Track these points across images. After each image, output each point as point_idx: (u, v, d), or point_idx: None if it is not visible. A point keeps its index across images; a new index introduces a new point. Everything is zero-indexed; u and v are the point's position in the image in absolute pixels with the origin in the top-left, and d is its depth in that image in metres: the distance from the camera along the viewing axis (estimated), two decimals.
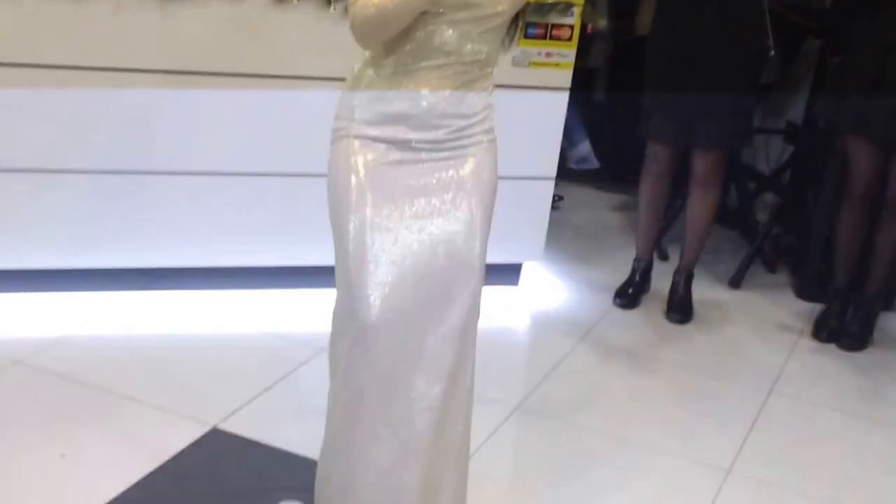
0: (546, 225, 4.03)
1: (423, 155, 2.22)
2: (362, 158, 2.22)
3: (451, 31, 2.13)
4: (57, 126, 3.41)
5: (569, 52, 3.79)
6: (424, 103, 2.18)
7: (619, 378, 3.64)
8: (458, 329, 2.25)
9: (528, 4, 2.27)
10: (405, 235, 2.20)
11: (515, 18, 2.27)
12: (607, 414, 3.36)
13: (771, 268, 4.66)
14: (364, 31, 2.12)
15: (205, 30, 3.40)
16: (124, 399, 3.07)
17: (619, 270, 4.27)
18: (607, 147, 5.10)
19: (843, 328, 4.05)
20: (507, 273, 4.05)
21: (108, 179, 3.51)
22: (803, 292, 4.42)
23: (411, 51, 2.17)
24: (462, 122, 2.22)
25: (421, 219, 2.21)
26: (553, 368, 3.60)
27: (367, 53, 2.24)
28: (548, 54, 3.74)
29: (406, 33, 2.15)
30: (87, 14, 3.28)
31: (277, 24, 3.45)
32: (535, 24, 3.67)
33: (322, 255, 3.73)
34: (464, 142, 2.24)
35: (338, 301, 2.27)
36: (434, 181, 2.23)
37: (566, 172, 4.72)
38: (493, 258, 2.38)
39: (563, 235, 4.67)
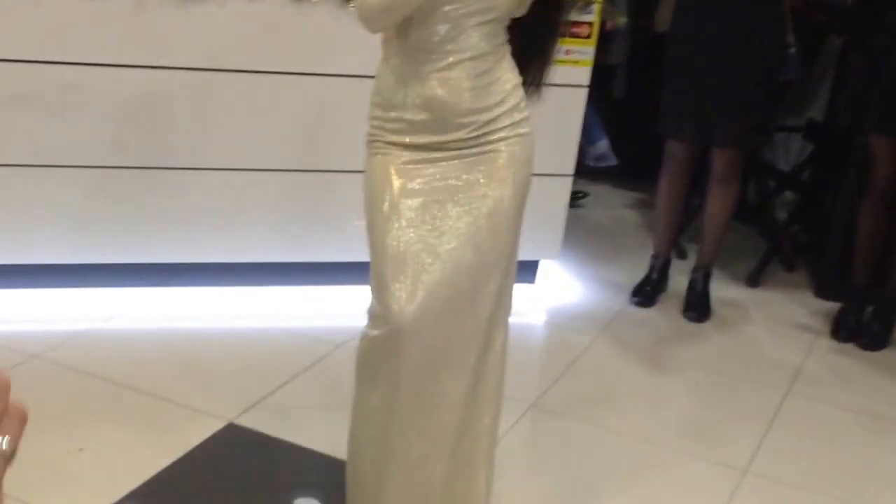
0: (564, 222, 4.02)
1: (454, 153, 2.23)
2: (394, 161, 2.23)
3: (443, 25, 2.14)
4: (87, 124, 3.43)
5: (588, 50, 3.78)
6: (441, 106, 2.19)
7: (635, 376, 3.63)
8: (484, 324, 2.27)
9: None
10: (436, 235, 2.20)
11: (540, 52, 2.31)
12: (623, 412, 3.36)
13: (789, 266, 4.64)
14: (369, 16, 2.15)
15: (225, 28, 3.42)
16: (142, 394, 3.09)
17: (637, 268, 4.26)
18: (626, 144, 5.08)
19: (863, 327, 4.03)
20: (524, 271, 4.01)
21: (130, 175, 3.53)
22: (822, 291, 4.39)
23: (416, 53, 2.18)
24: (487, 116, 2.22)
25: (451, 217, 2.21)
26: (569, 366, 3.60)
27: (381, 59, 2.26)
28: (567, 51, 3.73)
29: (405, 34, 2.16)
30: (109, 12, 3.29)
31: (296, 22, 3.46)
32: None
33: (341, 252, 3.78)
34: (491, 137, 2.24)
35: (372, 301, 2.27)
36: (464, 178, 2.23)
37: (584, 170, 4.71)
38: None
39: (581, 233, 4.66)
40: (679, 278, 4.22)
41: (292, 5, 3.43)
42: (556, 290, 4.18)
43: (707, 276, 4.13)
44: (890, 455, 3.32)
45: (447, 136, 2.22)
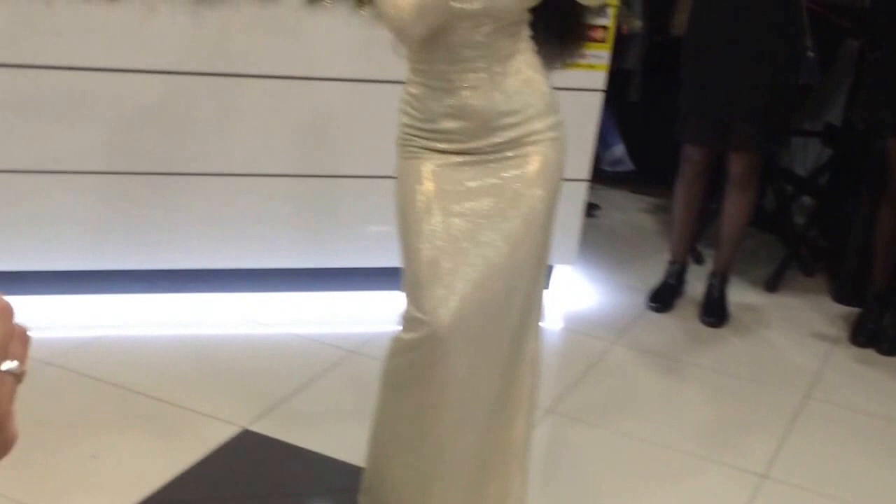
0: (580, 228, 4.01)
1: (488, 157, 2.22)
2: (428, 166, 2.22)
3: (468, 32, 2.13)
4: (100, 130, 3.43)
5: (603, 54, 3.76)
6: (473, 114, 2.19)
7: (652, 381, 3.61)
8: (515, 327, 2.26)
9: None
10: (470, 237, 2.19)
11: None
12: (641, 417, 3.33)
13: (808, 271, 4.60)
14: (403, 26, 2.12)
15: (238, 33, 3.41)
16: (155, 400, 3.08)
17: (654, 273, 4.23)
18: (642, 149, 5.06)
19: (882, 332, 3.99)
20: None
21: (144, 181, 3.53)
22: (840, 296, 4.36)
23: (442, 63, 2.17)
24: (517, 118, 2.20)
25: (487, 219, 2.20)
26: (586, 372, 3.58)
27: (408, 69, 2.26)
28: (582, 55, 3.70)
29: (431, 42, 2.15)
30: (120, 17, 3.29)
31: (309, 27, 3.45)
32: None
33: (356, 257, 3.77)
34: (524, 140, 2.22)
35: (406, 304, 2.25)
36: (497, 181, 2.22)
37: (600, 175, 4.69)
38: None
39: (597, 238, 4.64)
40: (696, 283, 4.20)
41: (305, 9, 3.42)
42: (573, 296, 4.16)
43: (724, 281, 4.11)
44: None
45: (481, 141, 2.21)
